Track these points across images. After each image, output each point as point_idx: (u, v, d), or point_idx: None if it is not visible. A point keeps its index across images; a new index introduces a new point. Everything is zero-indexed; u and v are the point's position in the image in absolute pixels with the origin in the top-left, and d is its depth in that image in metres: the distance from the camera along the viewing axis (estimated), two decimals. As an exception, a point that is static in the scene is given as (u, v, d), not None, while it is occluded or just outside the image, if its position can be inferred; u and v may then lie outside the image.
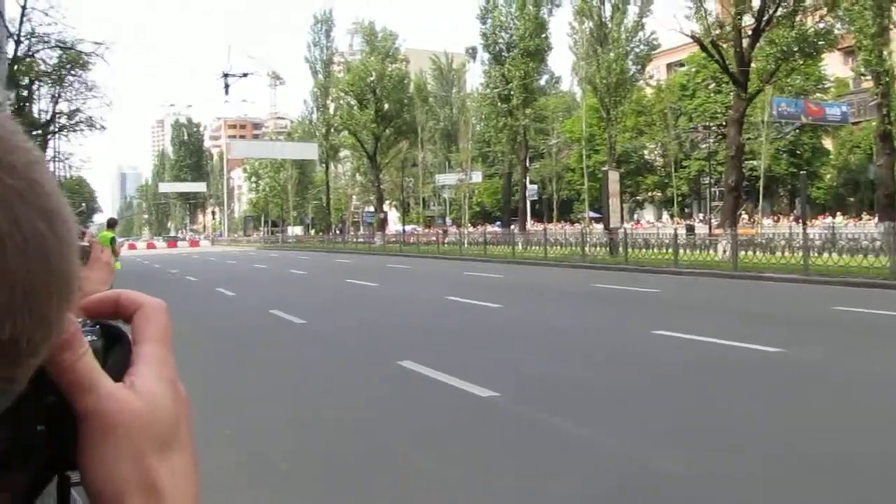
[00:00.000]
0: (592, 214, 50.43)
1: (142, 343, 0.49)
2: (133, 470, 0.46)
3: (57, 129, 30.67)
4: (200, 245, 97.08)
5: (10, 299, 0.35)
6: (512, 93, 48.02)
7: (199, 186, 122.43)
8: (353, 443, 6.73)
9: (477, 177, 67.55)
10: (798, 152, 55.26)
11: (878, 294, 17.39)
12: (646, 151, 62.20)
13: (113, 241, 15.65)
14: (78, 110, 30.10)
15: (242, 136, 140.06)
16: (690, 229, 35.63)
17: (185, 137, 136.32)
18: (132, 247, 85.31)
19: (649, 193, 64.42)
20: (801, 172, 35.39)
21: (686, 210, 62.33)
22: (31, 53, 26.75)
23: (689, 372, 9.22)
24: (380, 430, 7.16)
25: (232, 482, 5.61)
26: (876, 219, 32.20)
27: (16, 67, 24.95)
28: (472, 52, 59.13)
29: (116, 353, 0.49)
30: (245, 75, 66.91)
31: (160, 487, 0.46)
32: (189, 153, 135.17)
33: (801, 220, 28.00)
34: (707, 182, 54.26)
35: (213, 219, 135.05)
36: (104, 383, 0.46)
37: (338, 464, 6.15)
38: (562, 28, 60.23)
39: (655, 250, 29.88)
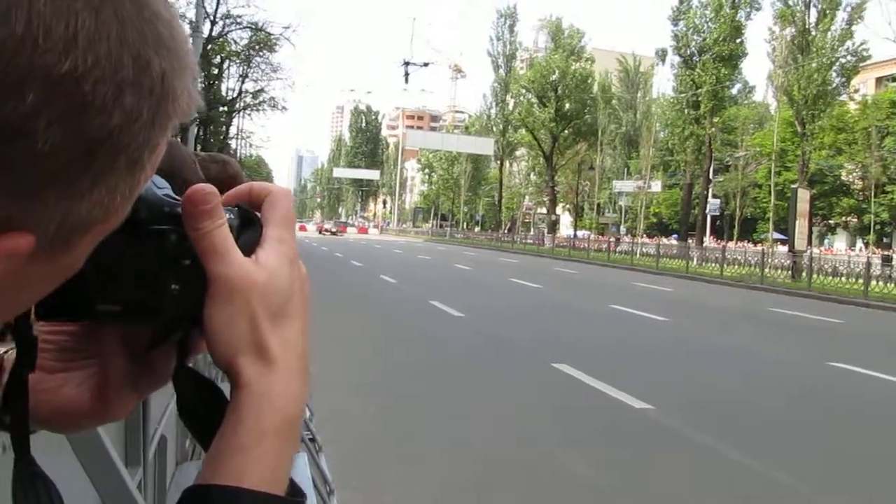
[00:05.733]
0: (777, 235, 47.70)
1: (267, 225, 0.55)
2: (248, 331, 0.52)
3: (242, 108, 32.02)
4: (368, 232, 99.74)
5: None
6: (700, 99, 46.12)
7: (373, 174, 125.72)
8: (500, 437, 6.85)
9: (656, 186, 65.44)
10: None
11: None
12: (843, 172, 58.12)
13: None
14: (262, 90, 31.35)
15: (419, 127, 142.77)
16: (887, 260, 32.72)
17: (363, 124, 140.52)
18: (302, 228, 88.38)
19: (843, 218, 60.19)
20: None
21: (885, 239, 57.81)
22: (223, 34, 28.00)
23: (865, 410, 8.68)
24: (528, 427, 7.27)
25: (377, 459, 5.94)
26: None
27: (209, 47, 26.19)
28: (661, 55, 57.41)
29: (248, 232, 0.55)
30: (426, 65, 67.99)
31: (269, 349, 0.53)
32: (365, 140, 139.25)
33: None
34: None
35: (384, 208, 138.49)
36: (234, 253, 0.52)
37: (481, 455, 6.27)
38: (760, 33, 57.25)
39: (844, 279, 27.76)
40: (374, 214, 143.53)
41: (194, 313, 0.52)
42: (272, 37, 29.38)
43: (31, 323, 0.53)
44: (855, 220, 59.23)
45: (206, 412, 0.54)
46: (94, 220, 0.43)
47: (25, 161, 0.37)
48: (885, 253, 42.81)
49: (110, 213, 0.44)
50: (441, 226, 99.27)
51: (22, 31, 0.36)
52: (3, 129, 0.36)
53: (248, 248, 0.54)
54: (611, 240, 52.20)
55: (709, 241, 51.32)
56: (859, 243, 58.99)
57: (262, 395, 0.52)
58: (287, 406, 0.53)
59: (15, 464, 0.53)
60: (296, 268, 0.55)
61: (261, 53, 30.33)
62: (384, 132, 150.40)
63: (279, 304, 0.53)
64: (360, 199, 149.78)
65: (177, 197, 0.54)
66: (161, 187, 0.53)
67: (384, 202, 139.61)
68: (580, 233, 66.27)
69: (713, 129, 46.62)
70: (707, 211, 49.29)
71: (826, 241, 62.88)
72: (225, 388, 0.55)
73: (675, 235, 58.81)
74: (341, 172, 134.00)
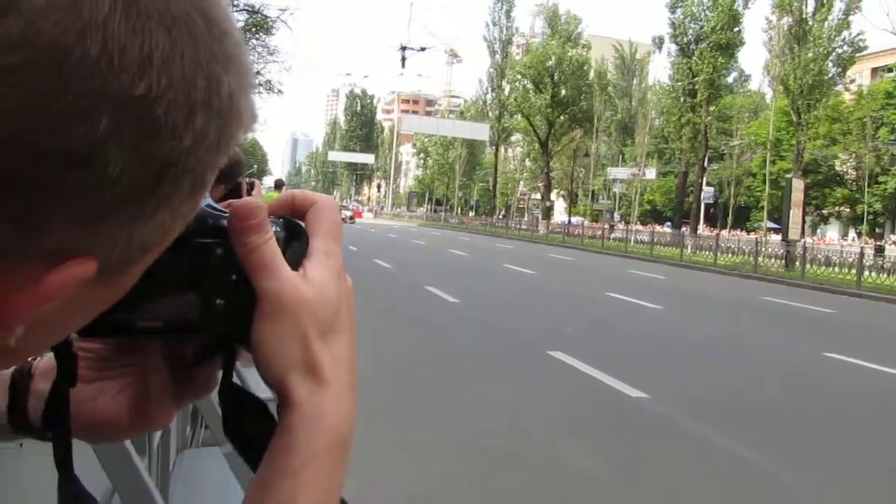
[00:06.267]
0: (771, 224, 47.88)
1: (313, 237, 0.54)
2: (298, 350, 0.51)
3: (237, 91, 31.91)
4: (363, 216, 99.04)
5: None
6: (697, 87, 46.02)
7: (368, 158, 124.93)
8: (498, 426, 6.80)
9: (651, 173, 65.43)
10: None
11: None
12: (837, 162, 58.21)
13: None
14: (258, 73, 31.04)
15: (415, 112, 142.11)
16: (880, 250, 32.81)
17: (359, 108, 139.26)
18: None
19: (836, 208, 60.32)
20: None
21: (877, 230, 57.97)
22: (220, 16, 27.81)
23: (861, 401, 8.74)
24: (523, 414, 7.25)
25: (374, 447, 5.82)
26: None
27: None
28: (658, 42, 57.17)
29: (295, 245, 0.53)
30: (422, 49, 67.72)
31: (320, 367, 0.52)
32: (360, 124, 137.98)
33: None
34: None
35: (378, 191, 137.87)
36: (284, 269, 0.51)
37: (478, 443, 6.24)
38: (757, 22, 57.18)
39: (837, 269, 27.82)
40: (369, 198, 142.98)
41: (240, 328, 0.51)
42: (269, 19, 29.14)
43: (71, 339, 0.52)
44: (848, 210, 59.39)
45: (253, 430, 0.54)
46: (154, 242, 0.42)
47: (94, 186, 0.37)
48: (878, 243, 42.96)
49: (169, 234, 0.43)
50: (435, 210, 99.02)
51: (97, 53, 0.35)
52: (73, 155, 0.35)
53: (296, 261, 0.53)
54: (605, 226, 52.14)
55: (703, 229, 51.42)
56: (852, 233, 59.20)
57: (314, 415, 0.52)
58: (339, 424, 0.53)
59: (59, 483, 0.52)
60: (343, 281, 0.54)
61: (257, 36, 30.05)
62: (379, 116, 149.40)
63: (328, 319, 0.53)
64: (354, 183, 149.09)
65: (220, 208, 0.52)
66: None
67: (379, 186, 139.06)
68: (574, 219, 66.20)
69: (709, 117, 46.59)
70: (701, 198, 49.33)
71: (819, 230, 63.04)
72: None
73: (669, 223, 58.85)
74: (336, 156, 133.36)
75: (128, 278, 0.44)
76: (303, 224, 0.55)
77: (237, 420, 0.55)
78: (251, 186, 8.79)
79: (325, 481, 0.52)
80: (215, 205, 0.52)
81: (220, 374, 0.56)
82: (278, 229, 0.53)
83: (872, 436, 7.18)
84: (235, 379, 0.55)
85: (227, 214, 0.51)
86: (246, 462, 0.54)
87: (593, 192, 77.36)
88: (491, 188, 79.60)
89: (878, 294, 22.77)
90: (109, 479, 1.56)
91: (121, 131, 0.36)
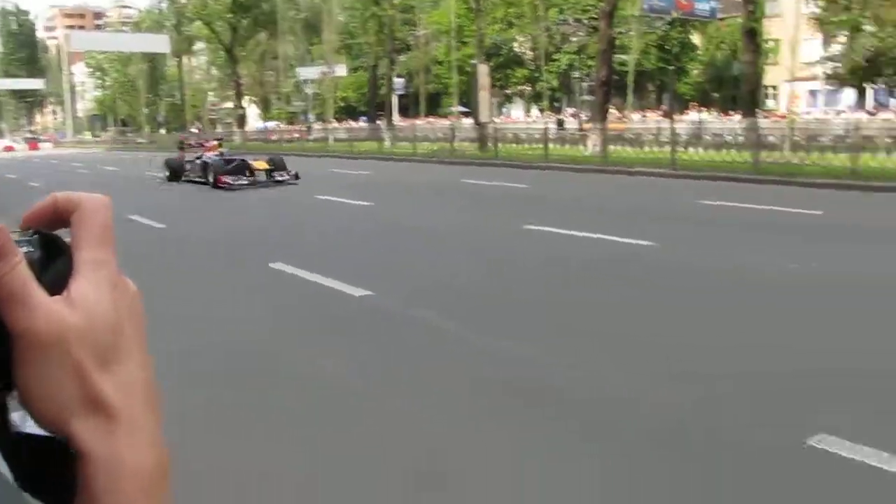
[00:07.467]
0: (461, 109, 49.81)
1: (79, 248, 0.45)
2: (75, 388, 0.43)
3: None
4: (41, 147, 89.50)
5: None
6: (377, -20, 46.10)
7: (36, 83, 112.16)
8: (229, 338, 6.72)
9: (341, 70, 65.31)
10: (667, 47, 55.62)
11: (742, 188, 17.52)
12: (516, 44, 61.51)
13: None
14: None
15: (82, 27, 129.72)
16: (560, 124, 35.53)
17: (15, 27, 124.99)
18: None
19: (519, 87, 64.08)
20: (670, 68, 35.39)
21: (556, 104, 62.46)
22: None
23: (560, 265, 9.34)
24: (255, 328, 7.11)
25: None
26: (740, 115, 32.58)
27: None
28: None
29: (56, 264, 0.44)
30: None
31: (107, 402, 0.44)
32: (20, 45, 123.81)
33: (668, 116, 28.20)
34: (577, 76, 54.20)
35: (55, 118, 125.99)
36: (38, 297, 0.42)
37: (214, 364, 6.04)
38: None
39: (526, 145, 29.70)
40: (45, 127, 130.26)
41: (3, 375, 0.42)
42: None
43: None
44: (529, 88, 63.31)
45: (55, 476, 0.44)
46: None
47: None
48: (558, 117, 46.45)
49: None
50: (123, 132, 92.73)
51: None
52: None
53: (58, 283, 0.43)
54: (302, 128, 51.68)
55: (398, 120, 52.54)
56: (534, 110, 63.33)
57: (111, 459, 0.44)
58: (143, 461, 0.45)
59: None
60: (120, 290, 0.46)
61: None
62: (42, 34, 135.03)
63: (108, 342, 0.44)
64: (25, 113, 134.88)
65: None
66: None
67: (54, 112, 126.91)
68: (270, 124, 65.08)
69: (392, 10, 46.99)
70: (393, 90, 50.16)
71: (505, 109, 66.75)
72: None
73: (365, 118, 59.55)
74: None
75: None
76: (60, 237, 0.46)
77: (32, 473, 0.45)
78: None
79: None
80: None
81: None
82: (32, 248, 0.44)
83: (582, 294, 7.73)
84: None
85: None
86: None
87: (286, 94, 76.11)
88: (179, 102, 75.67)
89: (563, 164, 24.54)
90: None
91: None
